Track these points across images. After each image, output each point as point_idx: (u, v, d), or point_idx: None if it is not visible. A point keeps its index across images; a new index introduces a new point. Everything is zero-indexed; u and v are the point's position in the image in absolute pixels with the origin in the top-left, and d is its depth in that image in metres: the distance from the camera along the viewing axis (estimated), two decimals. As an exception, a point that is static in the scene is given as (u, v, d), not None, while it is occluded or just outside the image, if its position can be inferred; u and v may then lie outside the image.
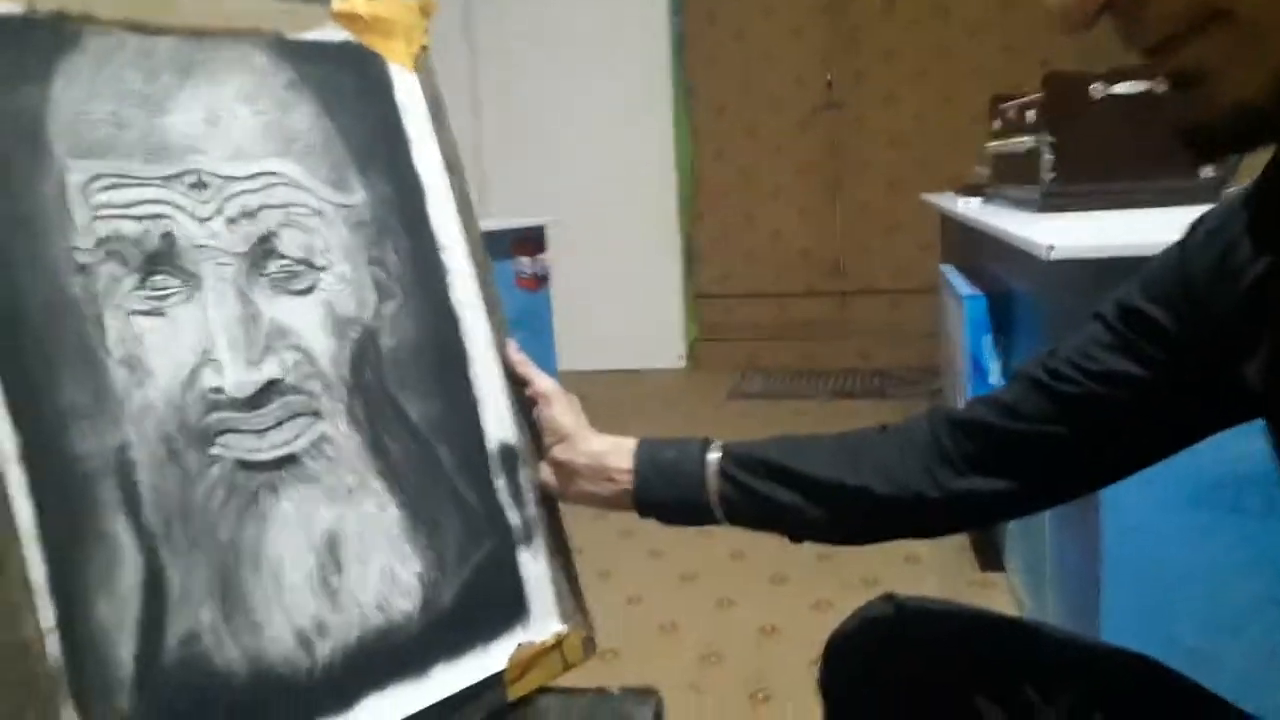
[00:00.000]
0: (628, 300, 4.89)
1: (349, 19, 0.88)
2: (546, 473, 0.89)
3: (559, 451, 0.87)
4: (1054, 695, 0.76)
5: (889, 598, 0.91)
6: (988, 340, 2.12)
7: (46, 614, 0.62)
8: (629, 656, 2.04)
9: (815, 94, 4.74)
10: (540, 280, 3.46)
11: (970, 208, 2.43)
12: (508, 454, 0.88)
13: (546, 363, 3.51)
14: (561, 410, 0.88)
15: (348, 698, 0.74)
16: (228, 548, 0.71)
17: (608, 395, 4.46)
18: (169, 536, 0.68)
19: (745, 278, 5.02)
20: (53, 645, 0.62)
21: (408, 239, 0.87)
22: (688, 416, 4.09)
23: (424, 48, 0.94)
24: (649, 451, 0.86)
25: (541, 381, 0.90)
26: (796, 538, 0.83)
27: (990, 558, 2.29)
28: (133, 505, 0.67)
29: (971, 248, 2.50)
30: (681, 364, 4.99)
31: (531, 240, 3.42)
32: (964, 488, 0.76)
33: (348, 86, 0.86)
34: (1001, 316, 2.11)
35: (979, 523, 0.81)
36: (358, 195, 0.85)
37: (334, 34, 0.87)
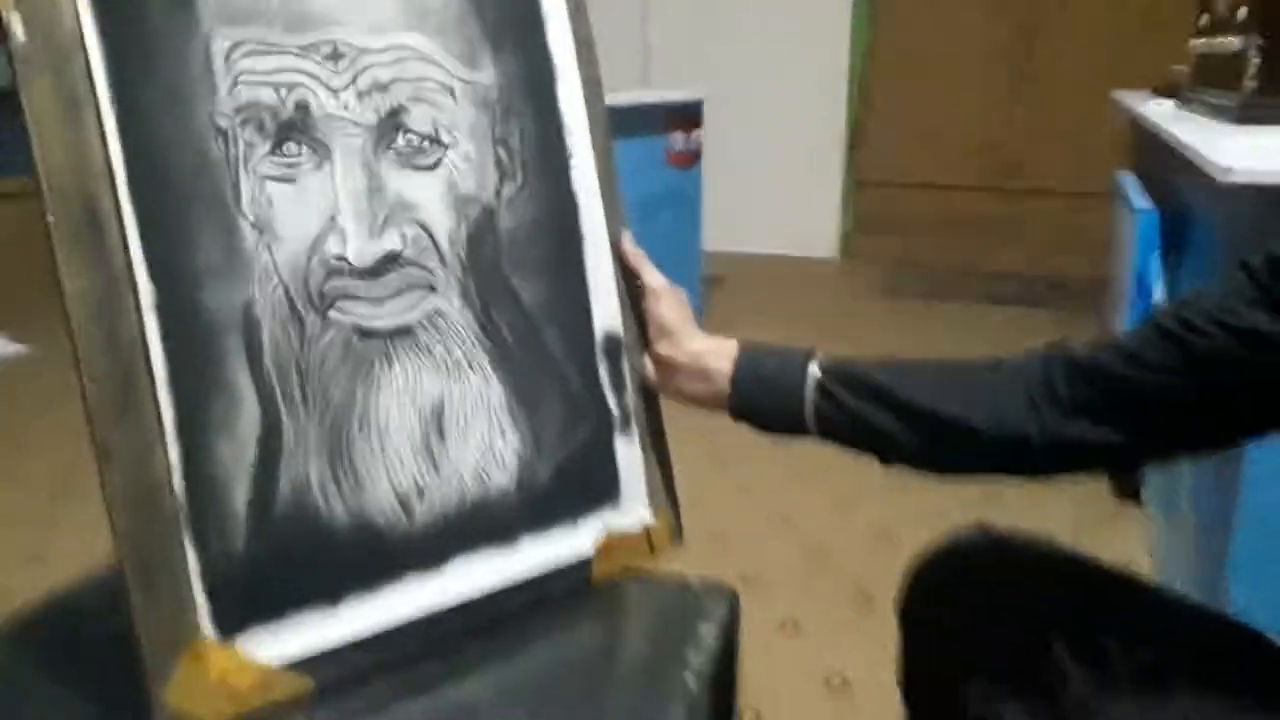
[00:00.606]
0: (784, 182, 4.77)
1: None
2: (649, 365, 0.91)
3: (662, 347, 0.88)
4: (1133, 648, 0.74)
5: (982, 527, 0.90)
6: (1155, 259, 1.98)
7: (174, 452, 0.68)
8: (738, 543, 2.09)
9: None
10: (693, 157, 3.41)
11: (1158, 111, 2.24)
12: (612, 342, 0.90)
13: (692, 242, 3.49)
14: (669, 306, 0.89)
15: (439, 557, 0.80)
16: (339, 407, 0.76)
17: (753, 280, 4.42)
18: (286, 392, 0.73)
19: (911, 166, 4.81)
20: (178, 482, 0.68)
21: (533, 121, 0.87)
22: (836, 310, 4.01)
23: None
24: (750, 357, 0.86)
25: (652, 276, 0.90)
26: (887, 461, 0.82)
27: (1126, 488, 2.20)
28: (255, 359, 0.72)
29: (1155, 156, 2.31)
30: (835, 255, 4.88)
31: (688, 115, 3.36)
32: (1071, 433, 0.73)
33: None
34: (1175, 235, 1.96)
35: (1081, 469, 0.78)
36: (487, 73, 0.85)
37: None
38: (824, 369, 0.82)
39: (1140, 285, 2.00)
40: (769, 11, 4.66)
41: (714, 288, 4.08)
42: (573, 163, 0.89)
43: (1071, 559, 0.85)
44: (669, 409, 0.93)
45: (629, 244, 0.91)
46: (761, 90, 4.64)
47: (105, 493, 0.66)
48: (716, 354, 0.86)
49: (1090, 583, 0.82)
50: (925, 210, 4.80)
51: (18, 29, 0.64)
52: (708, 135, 3.52)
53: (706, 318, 3.64)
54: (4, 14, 0.64)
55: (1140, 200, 2.11)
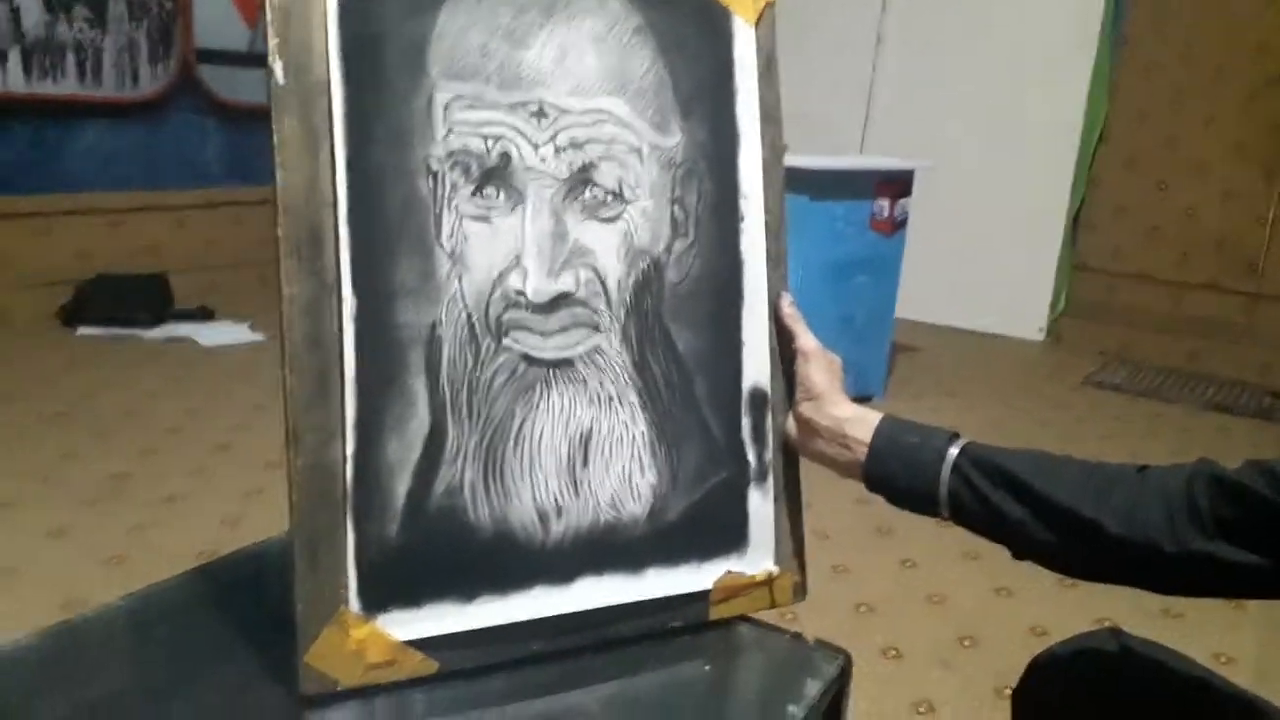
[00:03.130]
0: (993, 258, 4.64)
1: None
2: (791, 425, 0.95)
3: (806, 409, 0.92)
4: None
5: (1115, 632, 0.88)
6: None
7: (350, 443, 0.78)
8: (886, 616, 2.06)
9: (1272, 65, 4.13)
10: (897, 225, 3.40)
11: None
12: (759, 397, 0.95)
13: (886, 307, 3.47)
14: (818, 369, 0.93)
15: (569, 574, 0.86)
16: (499, 423, 0.84)
17: (949, 355, 4.32)
18: (455, 403, 0.82)
19: (1138, 256, 4.58)
20: (349, 469, 0.78)
21: (711, 184, 0.94)
22: (1033, 395, 3.87)
23: (769, 4, 0.98)
24: (891, 430, 0.88)
25: (806, 339, 0.94)
26: (1019, 554, 0.83)
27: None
28: (433, 372, 0.82)
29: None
30: (1040, 337, 4.69)
31: (897, 183, 3.35)
32: (1205, 550, 0.71)
33: (689, 36, 0.93)
34: None
35: (1216, 592, 0.75)
36: (675, 138, 0.92)
37: None
38: (964, 452, 0.84)
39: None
40: (995, 87, 4.59)
41: (905, 356, 4.01)
42: (743, 225, 0.95)
43: (1195, 677, 0.82)
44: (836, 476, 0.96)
45: (787, 305, 0.96)
46: (982, 164, 4.56)
47: (288, 471, 0.77)
48: (858, 422, 0.89)
49: (1210, 702, 0.79)
50: (1147, 302, 4.55)
51: (278, 72, 0.76)
52: (922, 205, 3.50)
53: (890, 386, 3.59)
54: (269, 58, 0.76)
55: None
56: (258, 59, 4.43)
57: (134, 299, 3.95)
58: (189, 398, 3.20)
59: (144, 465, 2.64)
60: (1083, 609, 2.04)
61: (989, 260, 4.66)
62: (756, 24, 0.96)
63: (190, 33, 4.26)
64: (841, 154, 3.94)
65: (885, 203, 3.33)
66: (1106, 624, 0.93)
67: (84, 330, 3.83)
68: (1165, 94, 4.42)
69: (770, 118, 0.97)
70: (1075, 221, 4.63)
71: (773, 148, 0.97)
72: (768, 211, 0.96)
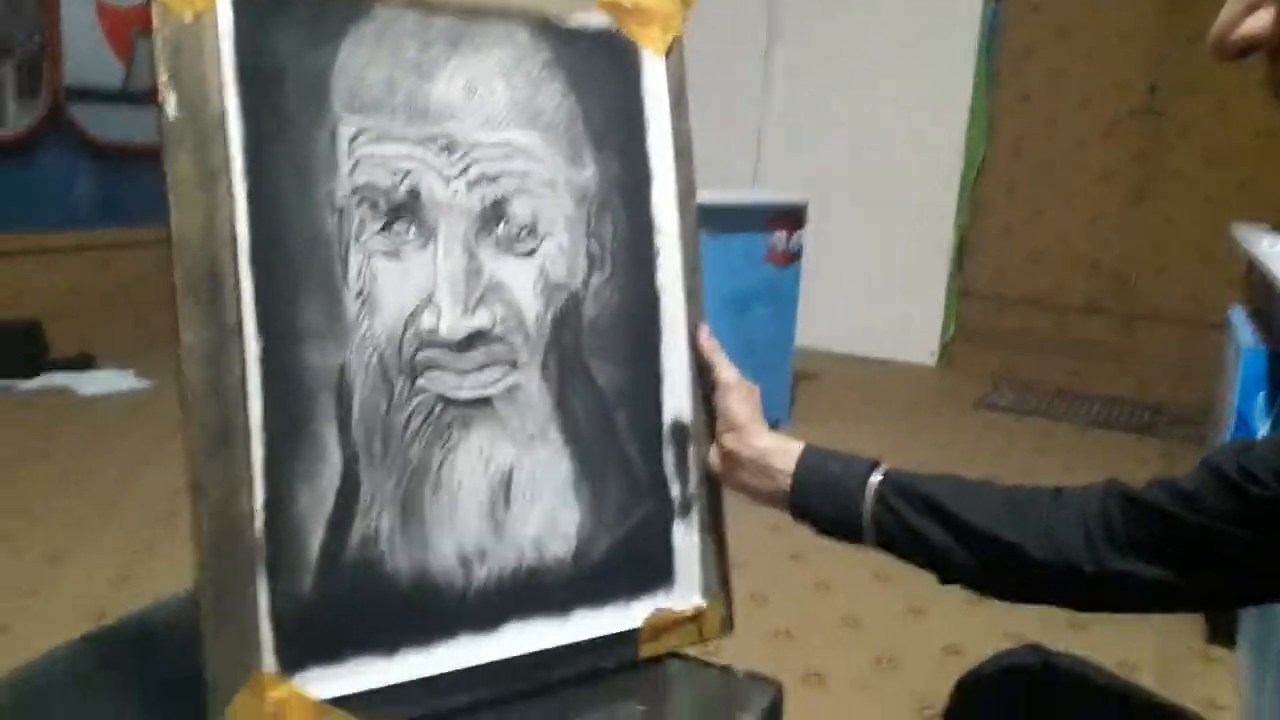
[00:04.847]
0: (885, 287, 4.79)
1: (611, 5, 0.93)
2: (714, 456, 0.94)
3: (728, 440, 0.92)
4: None
5: (1035, 648, 0.89)
6: (1261, 399, 1.93)
7: (259, 494, 0.74)
8: (804, 641, 2.07)
9: (1134, 97, 4.39)
10: (792, 257, 3.47)
11: (1271, 250, 2.20)
12: (679, 430, 0.94)
13: (785, 337, 3.52)
14: (738, 400, 0.92)
15: (494, 620, 0.83)
16: (416, 468, 0.81)
17: (848, 381, 4.42)
18: (368, 449, 0.79)
19: (1020, 280, 4.77)
20: (259, 521, 0.74)
21: (626, 217, 0.93)
22: (929, 418, 3.98)
23: (678, 38, 0.98)
24: (814, 460, 0.88)
25: (725, 370, 0.94)
26: (944, 578, 0.83)
27: (1221, 630, 2.10)
28: (344, 418, 0.78)
29: (1268, 293, 2.26)
30: (933, 362, 4.84)
31: (790, 216, 3.43)
32: (1121, 569, 0.73)
33: (597, 70, 0.92)
34: (1282, 376, 1.91)
35: (1134, 608, 0.77)
36: (588, 171, 0.91)
37: (596, 19, 0.92)
38: (886, 479, 0.84)
39: (1243, 424, 1.95)
40: (880, 123, 4.75)
41: (805, 384, 4.08)
42: (659, 259, 0.94)
43: (1117, 688, 0.83)
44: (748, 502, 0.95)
45: (706, 337, 0.95)
46: (870, 196, 4.70)
47: (193, 525, 0.72)
48: (781, 453, 0.89)
49: (1134, 712, 0.81)
50: (1031, 325, 4.74)
51: (170, 106, 0.72)
52: (813, 236, 3.58)
53: (794, 413, 3.65)
54: (160, 92, 0.72)
55: (1249, 338, 2.07)
56: (132, 96, 4.26)
57: (5, 349, 3.73)
58: (69, 451, 3.03)
59: (22, 525, 2.48)
60: (995, 625, 2.09)
61: (881, 288, 4.80)
62: (666, 56, 0.96)
63: (60, 69, 4.06)
64: (735, 189, 4.00)
65: (780, 235, 3.40)
66: (1021, 639, 0.95)
67: (-50, 384, 3.59)
68: (1038, 124, 4.64)
69: (683, 152, 0.96)
70: (960, 249, 4.80)
71: (686, 181, 0.97)
72: (683, 244, 0.95)
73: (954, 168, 4.71)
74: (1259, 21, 0.51)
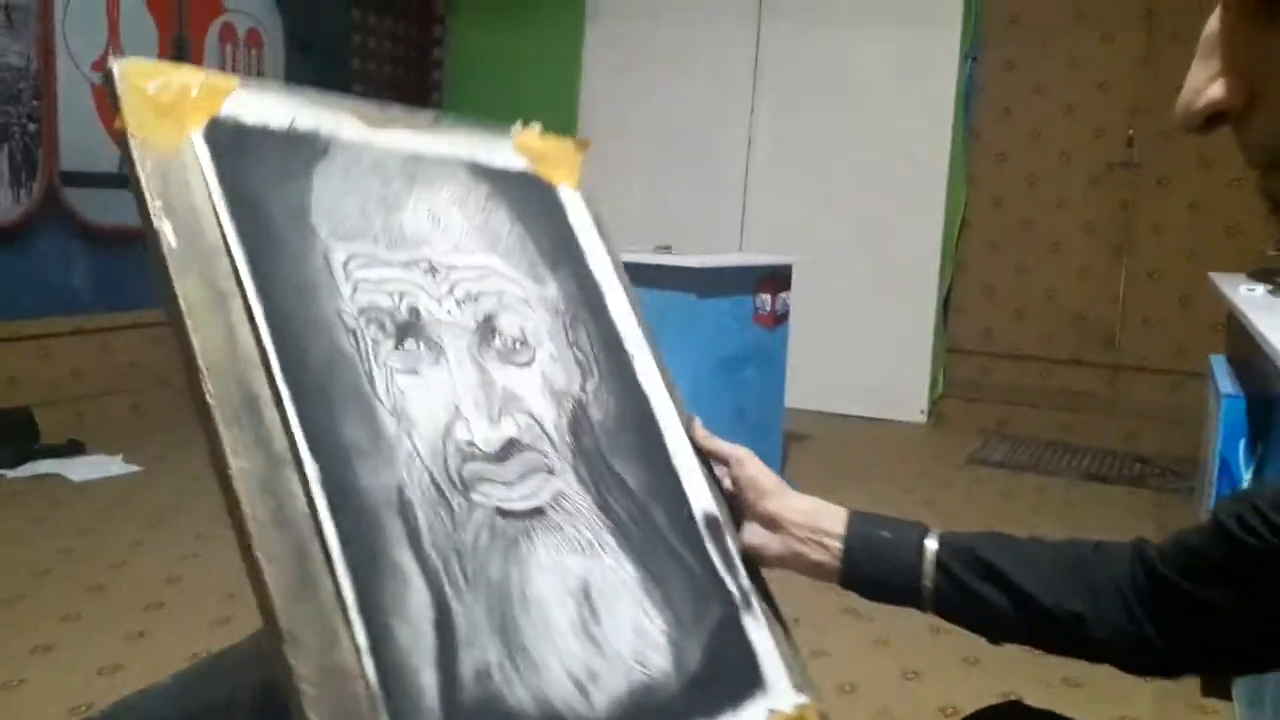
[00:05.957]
0: (873, 346, 4.80)
1: (525, 149, 1.00)
2: (751, 534, 0.89)
3: (769, 504, 0.88)
4: None
5: (1016, 705, 0.89)
6: (1242, 446, 1.95)
7: (360, 634, 0.63)
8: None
9: (1112, 150, 4.49)
10: (779, 318, 3.50)
11: (1249, 296, 2.24)
12: (712, 521, 0.90)
13: (775, 399, 3.53)
14: (758, 468, 0.90)
15: (625, 746, 0.73)
16: (498, 588, 0.73)
17: (839, 441, 4.41)
18: (448, 572, 0.71)
19: (1007, 336, 4.82)
20: (369, 666, 0.63)
21: (596, 328, 0.94)
22: (921, 476, 3.96)
23: (582, 160, 1.05)
24: (863, 526, 0.85)
25: (731, 448, 0.92)
26: (996, 640, 0.82)
27: (1218, 683, 2.09)
28: (415, 540, 0.70)
29: (1246, 341, 2.29)
30: (922, 419, 4.84)
31: (776, 278, 3.46)
32: (1174, 637, 0.74)
33: (533, 202, 0.97)
34: (1264, 421, 1.93)
35: (1193, 672, 0.78)
36: (552, 288, 0.93)
37: (516, 161, 0.98)
38: (943, 546, 0.82)
39: (1226, 471, 1.97)
40: (862, 181, 4.83)
41: (797, 445, 4.09)
42: (635, 363, 0.95)
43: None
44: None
45: (700, 429, 0.94)
46: (855, 256, 4.75)
47: (289, 681, 0.59)
48: (826, 515, 0.86)
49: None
50: (1019, 379, 4.78)
51: (169, 237, 0.68)
52: (800, 297, 3.61)
53: (787, 474, 3.64)
54: (154, 221, 0.69)
55: (1228, 386, 2.10)
56: (126, 180, 4.29)
57: (-5, 438, 3.72)
58: (58, 537, 2.98)
59: (7, 614, 2.45)
60: (991, 686, 2.08)
61: (869, 347, 4.79)
62: (579, 185, 1.02)
63: (55, 155, 4.10)
64: (722, 252, 4.06)
65: (767, 297, 3.42)
66: (1013, 694, 0.95)
67: (-61, 475, 3.56)
68: (1018, 180, 4.73)
69: (619, 270, 1.00)
70: (946, 305, 4.85)
71: (632, 295, 1.00)
72: (648, 347, 0.97)
73: (936, 226, 4.77)
74: (1218, 90, 0.49)
